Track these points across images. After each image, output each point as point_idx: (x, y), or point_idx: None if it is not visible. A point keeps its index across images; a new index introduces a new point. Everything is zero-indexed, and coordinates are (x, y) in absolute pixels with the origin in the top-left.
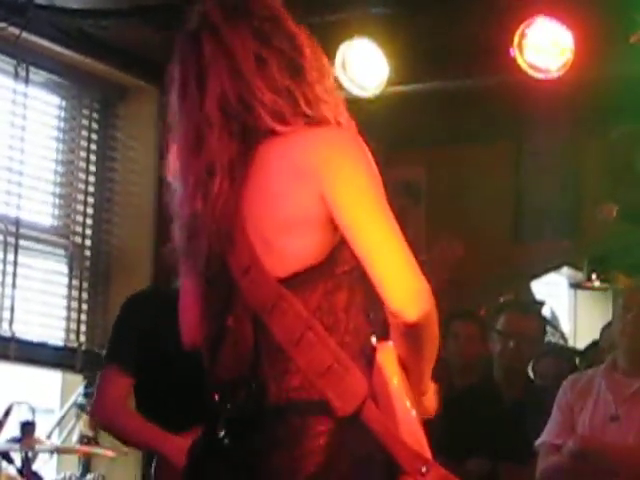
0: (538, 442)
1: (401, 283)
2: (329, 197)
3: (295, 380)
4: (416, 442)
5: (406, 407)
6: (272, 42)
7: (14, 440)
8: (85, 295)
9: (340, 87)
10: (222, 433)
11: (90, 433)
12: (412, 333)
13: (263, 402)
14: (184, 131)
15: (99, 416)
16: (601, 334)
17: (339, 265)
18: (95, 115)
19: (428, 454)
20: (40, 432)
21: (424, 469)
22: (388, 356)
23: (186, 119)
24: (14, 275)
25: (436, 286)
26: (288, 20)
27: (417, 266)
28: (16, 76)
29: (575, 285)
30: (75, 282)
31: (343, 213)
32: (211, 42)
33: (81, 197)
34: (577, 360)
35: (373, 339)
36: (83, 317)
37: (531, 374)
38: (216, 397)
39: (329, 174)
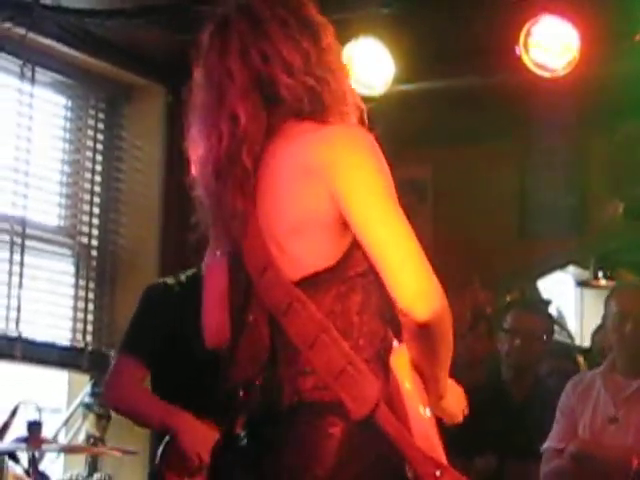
0: (543, 448)
1: (411, 281)
2: (339, 196)
3: (309, 381)
4: (430, 447)
5: (418, 411)
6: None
7: (21, 440)
8: (91, 295)
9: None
10: (241, 433)
11: (97, 433)
12: (424, 333)
13: (278, 402)
14: (205, 92)
15: (108, 400)
16: (592, 339)
17: (352, 267)
18: (101, 115)
19: (442, 458)
20: (47, 432)
21: (438, 473)
22: (401, 359)
23: (208, 78)
24: (21, 275)
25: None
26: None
27: (428, 265)
28: (22, 76)
29: (581, 283)
30: (81, 282)
31: (353, 212)
32: (240, 18)
33: (87, 197)
34: (583, 359)
35: (395, 343)
36: (89, 317)
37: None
38: (239, 394)
39: (338, 173)
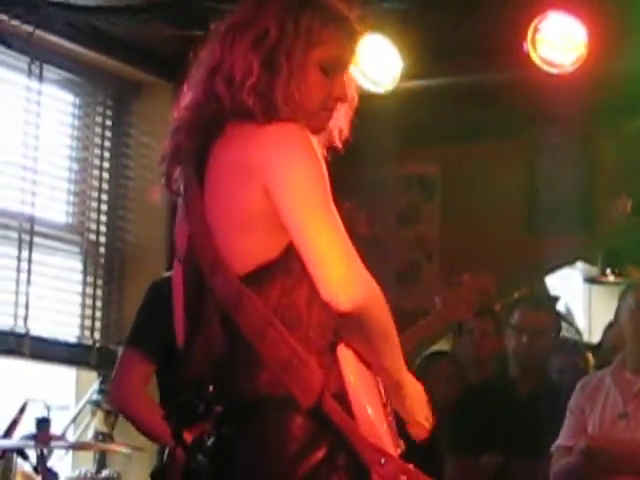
0: (554, 446)
1: (330, 272)
2: (270, 194)
3: (265, 376)
4: (376, 439)
5: (362, 404)
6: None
7: (29, 437)
8: (99, 292)
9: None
10: (207, 432)
11: (105, 429)
12: (349, 323)
13: (235, 398)
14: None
15: (114, 400)
16: (604, 334)
17: (296, 260)
18: (109, 112)
19: (389, 448)
20: (55, 429)
21: (382, 460)
22: (346, 352)
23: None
24: (29, 272)
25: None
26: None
27: (353, 255)
28: (30, 73)
29: (589, 280)
30: (89, 279)
31: (281, 208)
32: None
33: (95, 194)
34: (591, 355)
35: None
36: (98, 314)
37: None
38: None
39: (269, 173)
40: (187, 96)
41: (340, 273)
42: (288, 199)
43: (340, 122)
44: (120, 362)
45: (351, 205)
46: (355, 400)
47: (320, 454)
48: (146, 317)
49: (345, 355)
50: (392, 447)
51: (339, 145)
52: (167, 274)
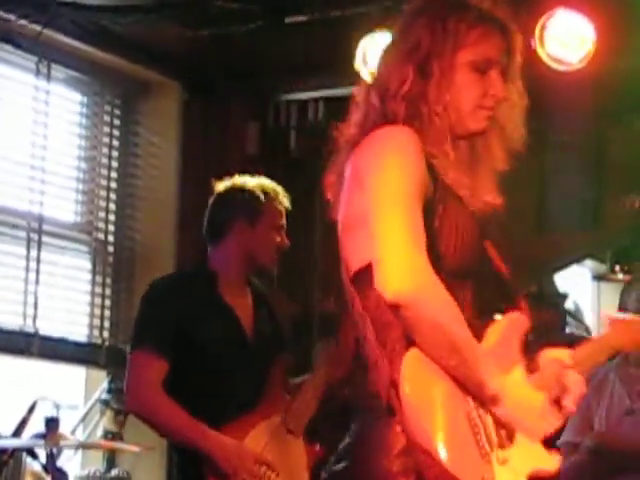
0: (559, 442)
1: (381, 263)
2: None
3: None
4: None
5: (417, 417)
6: None
7: (38, 436)
8: (108, 291)
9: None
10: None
11: (114, 429)
12: (399, 316)
13: (362, 402)
14: None
15: (132, 402)
16: None
17: None
18: (117, 111)
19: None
20: (64, 428)
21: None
22: (406, 360)
23: None
24: (37, 272)
25: None
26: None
27: (412, 252)
28: (38, 73)
29: (598, 277)
30: (98, 278)
31: (367, 210)
32: None
33: (103, 193)
34: None
35: None
36: (107, 313)
37: None
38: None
39: (364, 175)
40: (352, 116)
41: (388, 265)
42: (369, 199)
43: (511, 123)
44: (133, 362)
45: None
46: (407, 410)
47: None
48: (156, 313)
49: (405, 361)
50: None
51: (518, 146)
52: (165, 275)
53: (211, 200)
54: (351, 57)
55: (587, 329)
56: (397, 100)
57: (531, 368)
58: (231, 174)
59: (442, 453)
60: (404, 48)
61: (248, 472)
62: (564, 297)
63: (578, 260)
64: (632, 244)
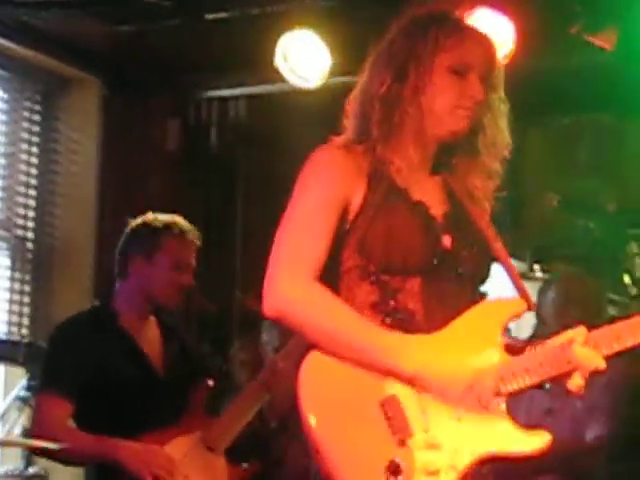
0: None
1: (266, 282)
2: None
3: None
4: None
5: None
6: None
7: None
8: (28, 288)
9: (282, 78)
10: None
11: None
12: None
13: None
14: None
15: (39, 436)
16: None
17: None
18: (37, 107)
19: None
20: None
21: None
22: (306, 364)
23: None
24: None
25: None
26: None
27: (279, 264)
28: None
29: None
30: (18, 275)
31: None
32: None
33: (23, 190)
34: None
35: None
36: (26, 310)
37: None
38: None
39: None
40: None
41: (266, 285)
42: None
43: (495, 129)
44: (38, 409)
45: None
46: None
47: None
48: (57, 358)
49: (312, 364)
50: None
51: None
52: (69, 316)
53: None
54: (271, 54)
55: (507, 328)
56: (373, 102)
57: (515, 350)
58: (150, 170)
59: (336, 461)
60: (386, 56)
61: (159, 466)
62: (483, 296)
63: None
64: (551, 244)
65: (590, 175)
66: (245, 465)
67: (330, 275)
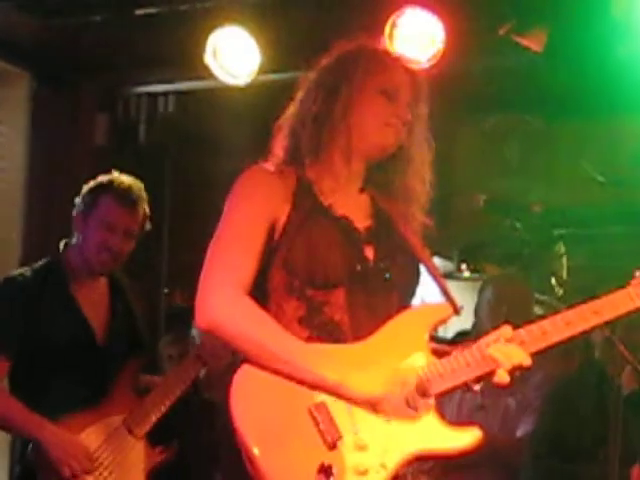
0: None
1: (198, 296)
2: None
3: None
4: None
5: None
6: None
7: None
8: None
9: (212, 75)
10: None
11: None
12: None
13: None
14: None
15: None
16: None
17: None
18: None
19: None
20: None
21: None
22: (237, 378)
23: None
24: None
25: None
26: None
27: (213, 281)
28: None
29: (445, 275)
30: None
31: None
32: None
33: None
34: None
35: None
36: None
37: None
38: None
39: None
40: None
41: (198, 298)
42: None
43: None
44: None
45: None
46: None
47: None
48: (1, 315)
49: (243, 377)
50: None
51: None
52: (16, 272)
53: None
54: (201, 51)
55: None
56: (304, 121)
57: (441, 353)
58: (79, 165)
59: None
60: (318, 79)
61: (78, 463)
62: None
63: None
64: (478, 243)
65: (518, 175)
66: (161, 448)
67: (260, 292)
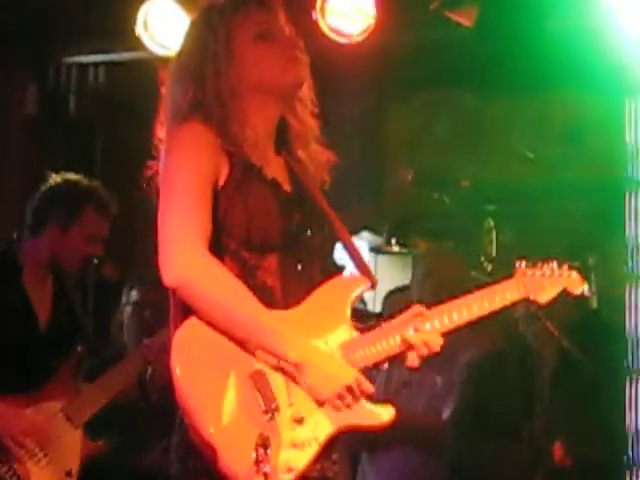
0: None
1: (160, 252)
2: None
3: None
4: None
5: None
6: None
7: None
8: None
9: (142, 46)
10: None
11: None
12: (180, 297)
13: None
14: None
15: None
16: (383, 303)
17: None
18: None
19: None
20: None
21: None
22: (181, 331)
23: None
24: None
25: None
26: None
27: (180, 235)
28: None
29: (375, 249)
30: None
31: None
32: None
33: None
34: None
35: None
36: None
37: None
38: None
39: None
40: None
41: (162, 254)
42: (163, 190)
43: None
44: None
45: None
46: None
47: None
48: None
49: (187, 331)
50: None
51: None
52: None
53: (40, 190)
54: (132, 22)
55: (362, 300)
56: (206, 89)
57: (363, 327)
58: (10, 134)
59: (208, 430)
60: (190, 45)
61: (11, 438)
62: (341, 269)
63: (355, 232)
64: (407, 218)
65: (448, 151)
66: (102, 442)
67: None
